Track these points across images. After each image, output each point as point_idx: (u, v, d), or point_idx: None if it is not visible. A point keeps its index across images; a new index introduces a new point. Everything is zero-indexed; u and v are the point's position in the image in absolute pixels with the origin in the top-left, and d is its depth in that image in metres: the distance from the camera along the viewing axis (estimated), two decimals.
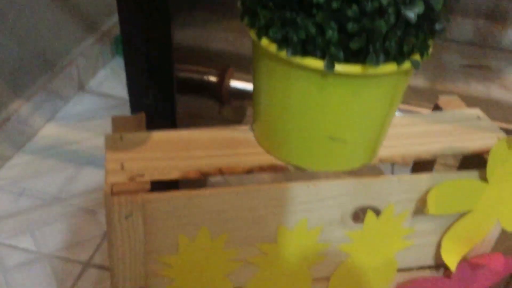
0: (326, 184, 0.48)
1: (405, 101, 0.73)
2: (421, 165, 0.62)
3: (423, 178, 0.50)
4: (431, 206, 0.50)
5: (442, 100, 0.60)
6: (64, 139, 0.99)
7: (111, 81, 1.17)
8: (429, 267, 0.59)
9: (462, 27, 0.88)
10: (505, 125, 0.62)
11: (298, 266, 0.53)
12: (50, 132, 1.01)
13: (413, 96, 0.87)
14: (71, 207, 0.83)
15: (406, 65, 0.41)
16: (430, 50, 0.43)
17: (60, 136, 1.00)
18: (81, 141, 0.99)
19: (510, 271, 0.61)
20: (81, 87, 1.14)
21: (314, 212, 0.49)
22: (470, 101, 0.60)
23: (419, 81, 0.94)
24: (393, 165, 0.91)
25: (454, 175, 0.50)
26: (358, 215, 0.51)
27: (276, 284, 0.54)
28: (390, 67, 0.41)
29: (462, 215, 0.53)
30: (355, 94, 0.42)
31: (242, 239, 0.49)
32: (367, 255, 0.55)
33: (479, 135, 0.53)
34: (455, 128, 0.54)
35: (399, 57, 0.41)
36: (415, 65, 0.41)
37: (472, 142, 0.52)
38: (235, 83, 0.83)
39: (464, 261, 0.57)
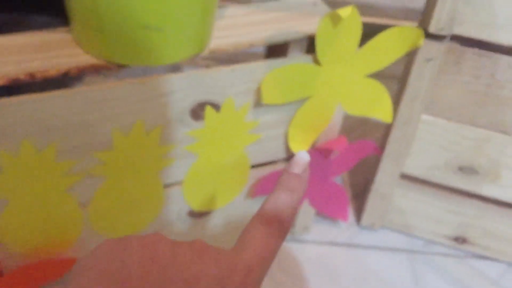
0: (156, 81, 0.45)
1: None
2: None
3: (258, 66, 0.49)
4: (266, 95, 0.50)
5: None
6: None
7: None
8: (283, 160, 0.60)
9: None
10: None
11: (145, 173, 0.52)
12: None
13: None
14: None
15: None
16: None
17: None
18: None
19: (365, 154, 0.64)
20: None
21: (148, 112, 0.47)
22: None
23: None
24: None
25: (288, 60, 0.50)
26: (198, 113, 0.50)
27: (125, 194, 0.52)
28: None
29: (304, 102, 0.54)
30: None
31: (75, 148, 0.46)
32: (216, 154, 0.54)
33: (314, 19, 0.53)
34: (290, 15, 0.53)
35: None
36: None
37: (305, 27, 0.52)
38: None
39: (313, 149, 0.58)
